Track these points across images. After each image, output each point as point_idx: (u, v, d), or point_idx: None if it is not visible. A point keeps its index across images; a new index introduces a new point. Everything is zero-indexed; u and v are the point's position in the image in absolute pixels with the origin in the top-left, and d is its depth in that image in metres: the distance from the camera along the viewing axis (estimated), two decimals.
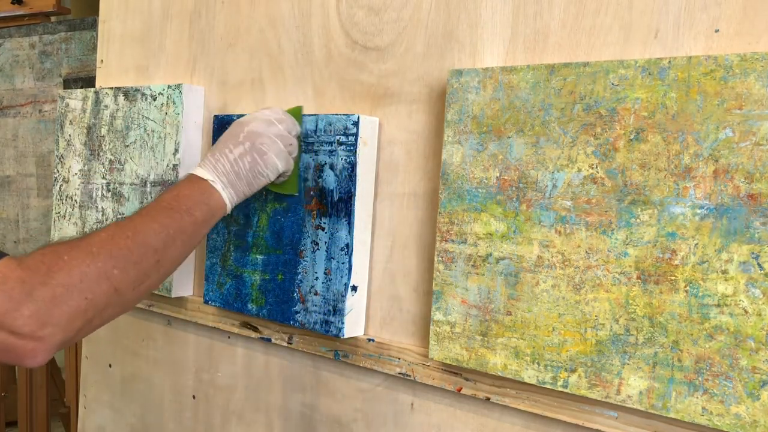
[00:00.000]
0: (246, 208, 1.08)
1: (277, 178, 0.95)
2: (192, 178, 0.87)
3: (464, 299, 0.85)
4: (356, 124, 0.94)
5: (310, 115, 1.00)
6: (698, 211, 0.69)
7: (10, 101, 2.27)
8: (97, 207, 1.31)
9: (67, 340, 0.69)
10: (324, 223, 0.97)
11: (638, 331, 0.72)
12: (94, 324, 0.72)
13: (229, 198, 0.87)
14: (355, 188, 0.95)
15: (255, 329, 1.12)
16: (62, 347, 0.69)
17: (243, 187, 0.88)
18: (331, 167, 0.96)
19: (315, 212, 0.98)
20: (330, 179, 0.97)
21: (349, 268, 0.95)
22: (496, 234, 0.82)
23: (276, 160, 0.90)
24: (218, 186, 0.86)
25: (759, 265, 0.66)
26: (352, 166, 0.94)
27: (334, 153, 0.96)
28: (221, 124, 1.11)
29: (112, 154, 1.28)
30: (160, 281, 0.80)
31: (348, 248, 0.95)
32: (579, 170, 0.76)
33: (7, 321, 0.65)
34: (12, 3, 2.34)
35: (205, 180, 0.86)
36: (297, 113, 0.99)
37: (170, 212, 0.81)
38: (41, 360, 0.67)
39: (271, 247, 1.04)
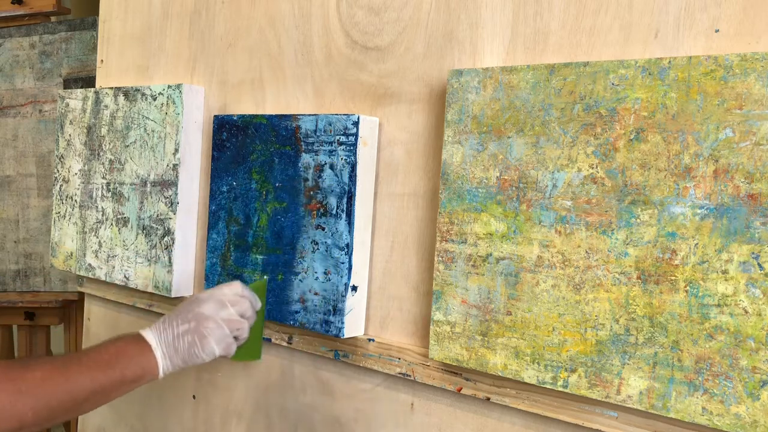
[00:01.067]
0: (246, 208, 1.08)
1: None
2: (139, 338, 0.92)
3: (464, 299, 0.85)
4: (356, 124, 0.94)
5: (310, 115, 1.00)
6: (698, 211, 0.69)
7: (10, 101, 2.27)
8: (97, 207, 1.31)
9: None
10: (324, 223, 0.97)
11: (638, 331, 0.72)
12: None
13: (164, 367, 0.91)
14: (355, 188, 0.95)
15: None
16: None
17: (178, 361, 0.92)
18: (331, 167, 0.96)
19: (315, 212, 0.98)
20: (330, 179, 0.97)
21: (349, 268, 0.95)
22: (496, 234, 0.82)
23: (214, 346, 0.92)
24: (158, 354, 0.91)
25: (759, 265, 0.66)
26: (352, 166, 0.94)
27: (334, 153, 0.96)
28: (221, 124, 1.11)
29: (112, 154, 1.28)
30: (61, 422, 0.85)
31: (348, 248, 0.95)
32: (579, 170, 0.76)
33: None
34: (12, 3, 2.34)
35: (149, 344, 0.91)
36: (261, 288, 1.02)
37: (106, 369, 0.86)
38: None
39: (271, 247, 1.04)
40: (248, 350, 1.00)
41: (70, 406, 0.82)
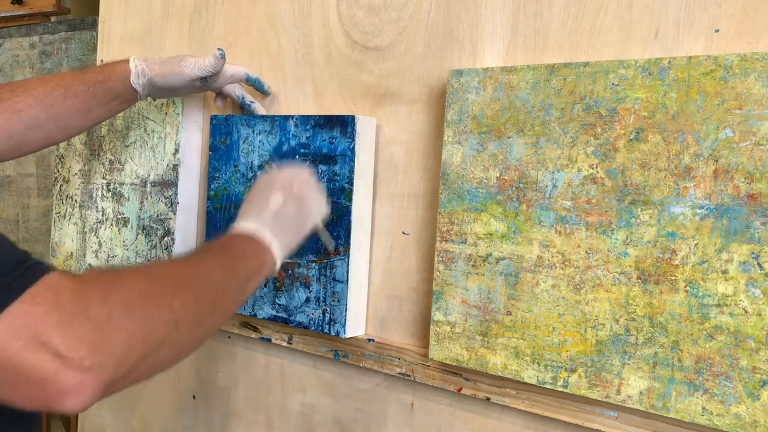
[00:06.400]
0: None
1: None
2: (234, 232, 0.78)
3: (464, 299, 0.85)
4: (354, 124, 0.94)
5: (308, 115, 1.00)
6: (698, 211, 0.69)
7: None
8: (97, 207, 1.31)
9: (116, 379, 0.55)
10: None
11: (638, 331, 0.72)
12: (147, 365, 0.59)
13: (279, 248, 0.78)
14: (353, 188, 0.95)
15: (255, 329, 1.12)
16: (107, 391, 0.55)
17: (289, 237, 0.80)
18: (330, 167, 0.96)
19: None
20: (329, 179, 0.96)
21: (349, 268, 0.95)
22: (496, 234, 0.82)
23: (319, 201, 0.85)
24: (266, 234, 0.77)
25: (759, 265, 0.66)
26: (351, 166, 0.94)
27: (332, 153, 0.96)
28: (219, 124, 1.11)
29: (112, 154, 1.28)
30: (210, 332, 0.69)
31: (348, 248, 0.95)
32: (579, 170, 0.76)
33: (55, 339, 0.51)
34: (12, 3, 2.34)
35: (249, 232, 0.77)
36: None
37: (224, 255, 0.73)
38: (88, 399, 0.53)
39: None
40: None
41: (210, 297, 0.67)
